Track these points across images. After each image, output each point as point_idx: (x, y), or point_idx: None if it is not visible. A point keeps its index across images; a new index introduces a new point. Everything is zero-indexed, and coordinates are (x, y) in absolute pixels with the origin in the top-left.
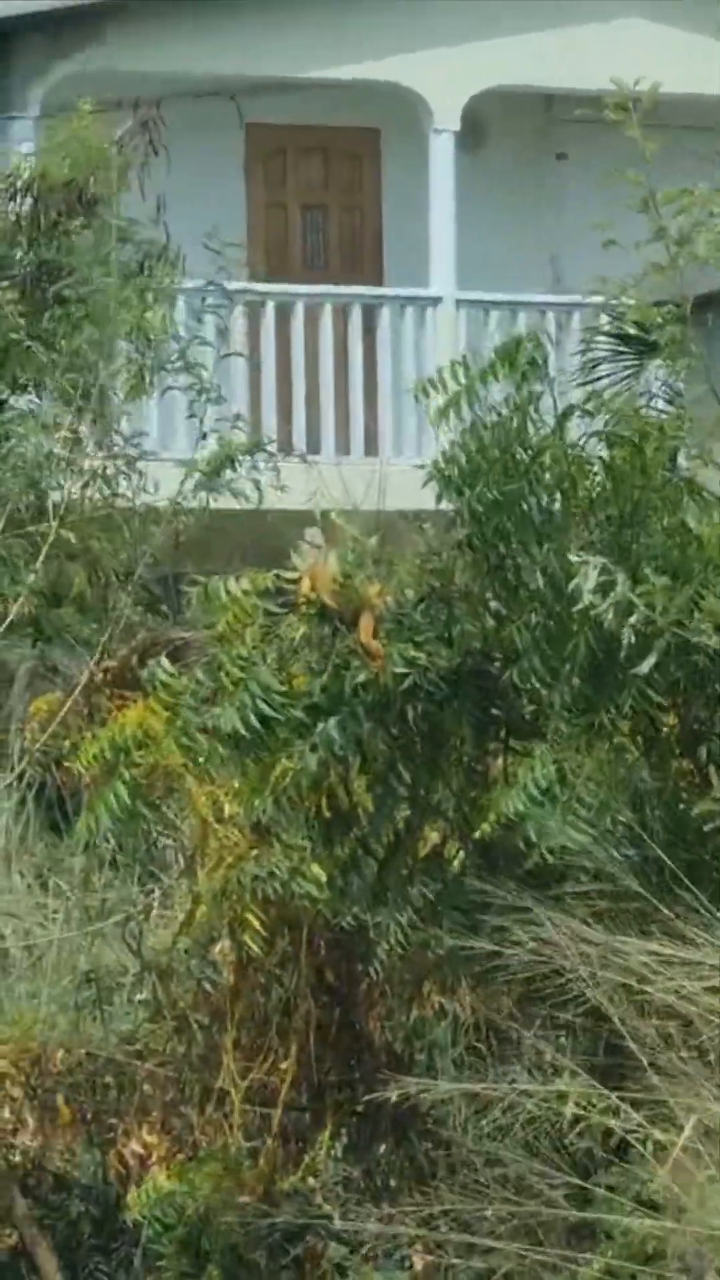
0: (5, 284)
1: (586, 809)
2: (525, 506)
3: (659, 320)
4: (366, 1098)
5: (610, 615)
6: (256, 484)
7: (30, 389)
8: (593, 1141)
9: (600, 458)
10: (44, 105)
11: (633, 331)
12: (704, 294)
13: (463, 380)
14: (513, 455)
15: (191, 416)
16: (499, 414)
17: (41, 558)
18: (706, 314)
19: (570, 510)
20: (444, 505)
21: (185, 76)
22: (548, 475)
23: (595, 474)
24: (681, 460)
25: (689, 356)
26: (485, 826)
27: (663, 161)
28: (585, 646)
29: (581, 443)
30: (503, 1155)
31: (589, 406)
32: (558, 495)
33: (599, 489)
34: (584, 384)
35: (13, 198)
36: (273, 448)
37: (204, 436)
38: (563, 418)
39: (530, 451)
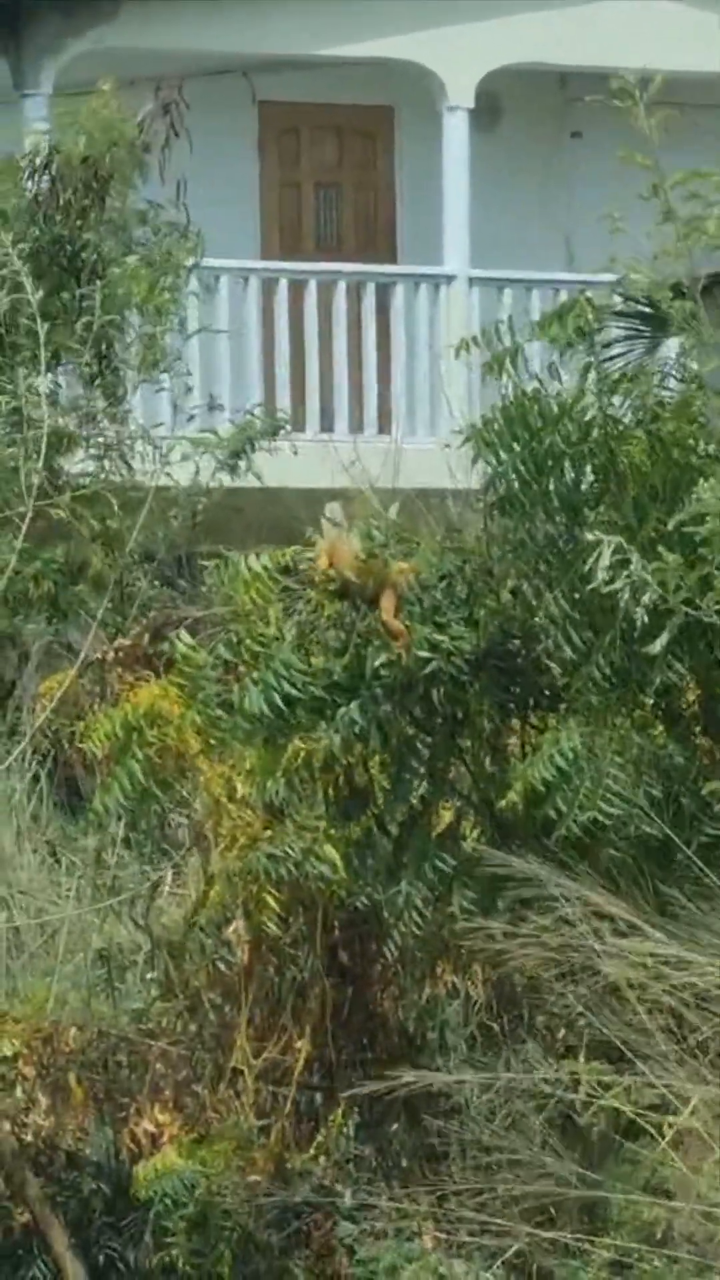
0: (23, 261)
1: (614, 781)
2: (563, 474)
3: (669, 298)
4: (377, 1078)
5: (626, 595)
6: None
7: (47, 367)
8: (605, 1123)
9: (647, 429)
10: (57, 83)
11: (646, 309)
12: (715, 272)
13: (507, 343)
14: (565, 423)
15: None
16: (540, 379)
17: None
18: (716, 292)
19: (606, 483)
20: (461, 482)
21: (198, 54)
22: (589, 444)
23: (633, 446)
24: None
25: (700, 334)
26: (511, 795)
27: (679, 141)
28: (620, 621)
29: (622, 414)
30: (514, 1136)
31: (613, 381)
32: (589, 467)
33: (638, 461)
34: (602, 362)
35: (31, 176)
36: (287, 426)
37: (191, 419)
38: (609, 389)
39: (572, 419)
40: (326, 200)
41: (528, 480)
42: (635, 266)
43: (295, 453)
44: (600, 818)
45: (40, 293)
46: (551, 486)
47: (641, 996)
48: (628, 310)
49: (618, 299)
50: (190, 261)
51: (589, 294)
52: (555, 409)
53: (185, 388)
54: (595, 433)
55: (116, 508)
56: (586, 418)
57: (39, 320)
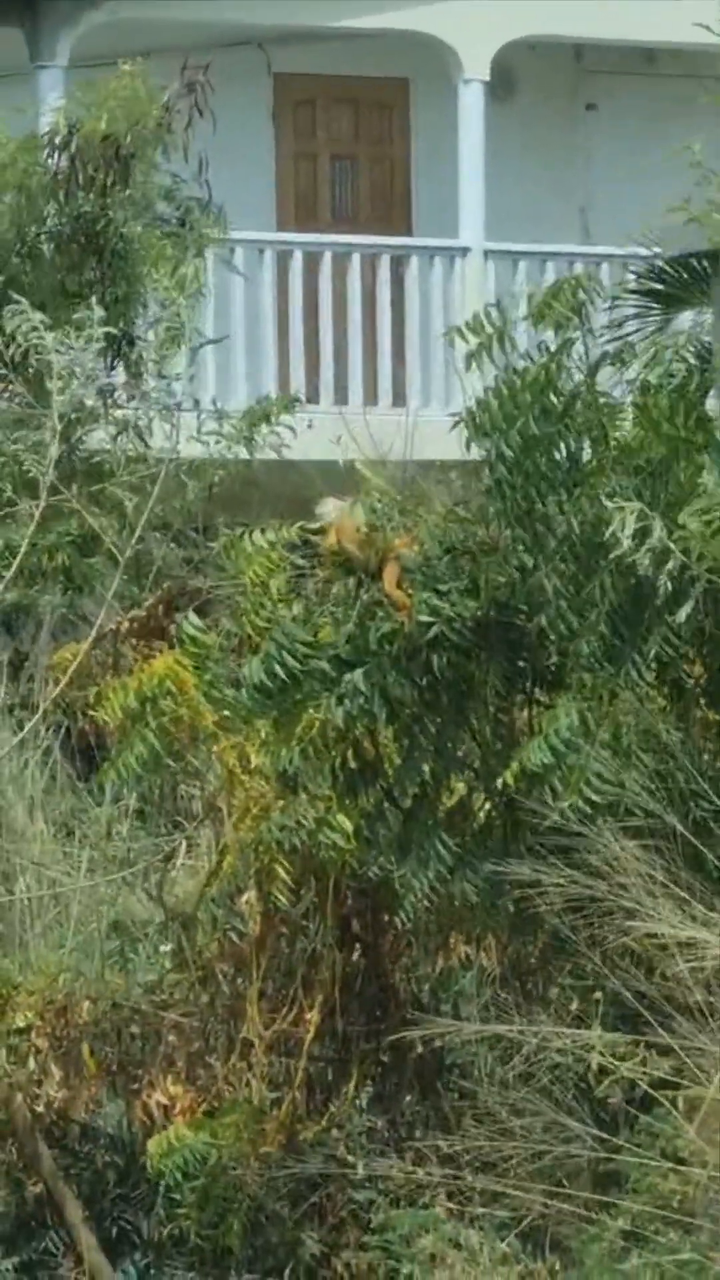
0: (45, 237)
1: (612, 758)
2: (556, 453)
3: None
4: (391, 1045)
5: (646, 561)
6: (286, 431)
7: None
8: (619, 1093)
9: (635, 404)
10: (73, 55)
11: (659, 286)
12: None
13: (496, 325)
14: (545, 401)
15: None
16: (531, 359)
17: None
18: None
19: (600, 458)
20: (472, 454)
21: (213, 25)
22: (579, 420)
23: (625, 422)
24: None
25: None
26: (508, 777)
27: (694, 113)
28: (614, 594)
29: (613, 391)
30: (528, 1105)
31: (622, 356)
32: (586, 442)
33: (631, 436)
34: (615, 339)
35: (53, 152)
36: (302, 399)
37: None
38: (595, 366)
39: (562, 398)
40: (342, 172)
41: (518, 459)
42: (711, 215)
43: (310, 425)
44: (594, 798)
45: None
46: (542, 465)
47: (671, 957)
48: (641, 289)
49: (630, 277)
50: (215, 240)
51: (579, 268)
52: (539, 385)
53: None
54: (580, 409)
55: (132, 481)
56: (570, 393)
57: (61, 296)
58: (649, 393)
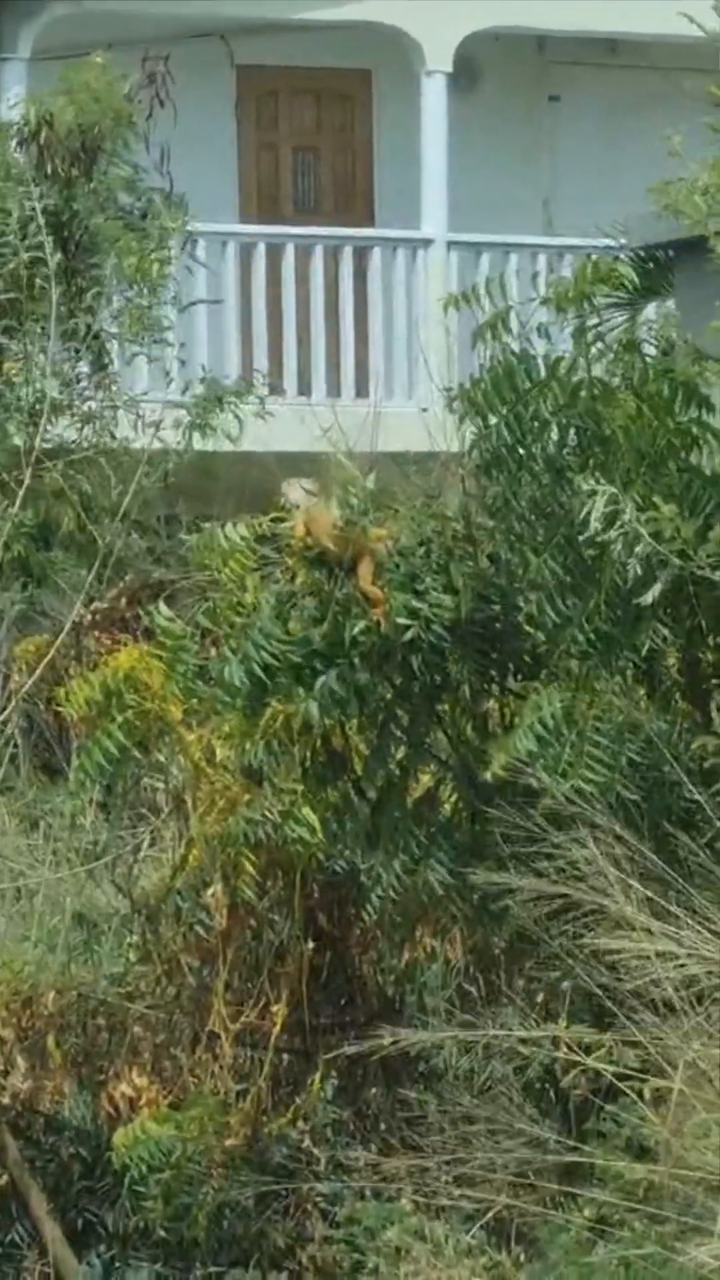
0: (11, 229)
1: (595, 747)
2: (549, 436)
3: (715, 234)
4: (357, 1038)
5: (619, 546)
6: (240, 421)
7: (32, 334)
8: (584, 1086)
9: (632, 390)
10: (35, 47)
11: (631, 276)
12: (690, 238)
13: (497, 304)
14: (550, 385)
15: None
16: (529, 341)
17: (23, 498)
18: (700, 257)
19: (592, 445)
20: (438, 447)
21: (176, 17)
22: (577, 407)
23: (619, 410)
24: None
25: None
26: (496, 767)
27: (657, 103)
28: (609, 583)
29: (607, 378)
30: (493, 1101)
31: (597, 347)
32: (575, 431)
33: (623, 424)
34: (592, 327)
35: (21, 144)
36: (263, 389)
37: (170, 382)
38: (597, 351)
39: (559, 382)
40: (304, 164)
41: (514, 443)
42: (693, 198)
43: (265, 419)
44: (583, 785)
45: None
46: (538, 449)
47: (641, 965)
48: (608, 276)
49: (614, 261)
50: (178, 230)
51: (542, 260)
52: (543, 371)
53: (175, 360)
54: (583, 395)
55: (93, 471)
56: (575, 380)
57: (31, 288)
58: (648, 380)
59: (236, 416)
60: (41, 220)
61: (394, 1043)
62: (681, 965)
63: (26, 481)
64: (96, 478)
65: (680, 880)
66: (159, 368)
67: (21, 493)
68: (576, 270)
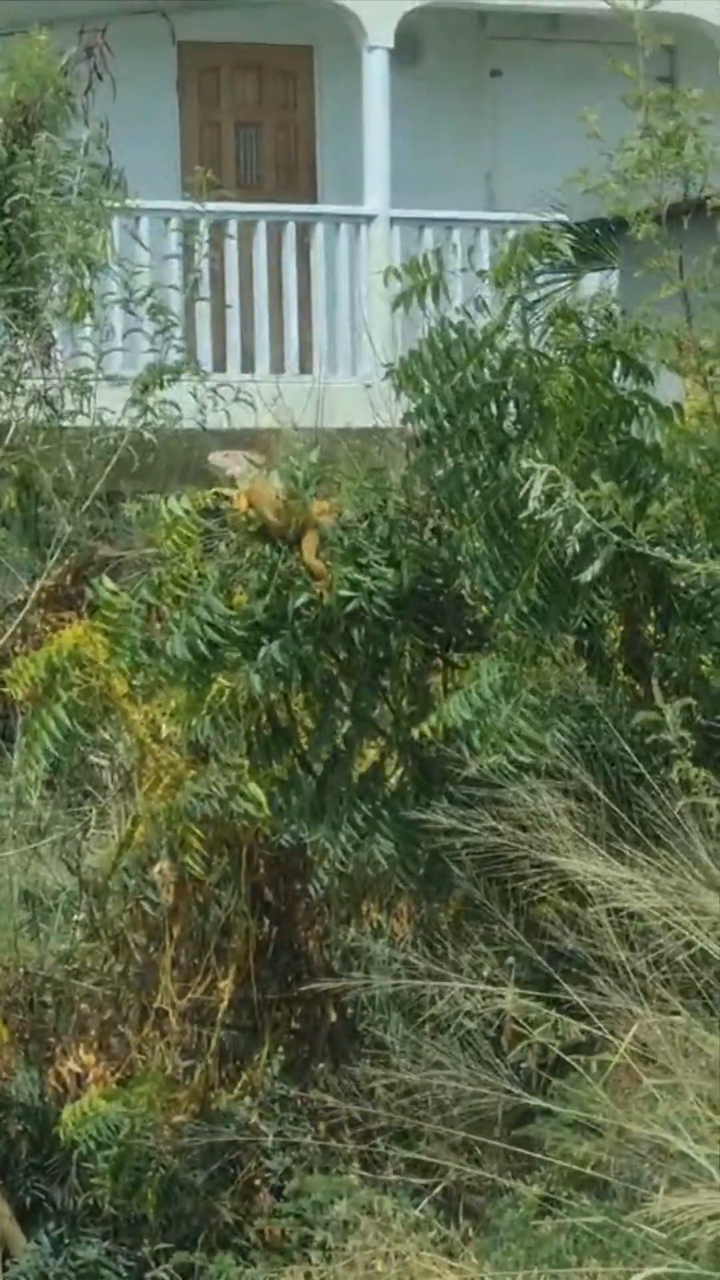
0: None
1: (529, 721)
2: (486, 408)
3: (635, 217)
4: (304, 1013)
5: (558, 524)
6: (177, 405)
7: None
8: (532, 1057)
9: (571, 363)
10: None
11: (572, 243)
12: (681, 200)
13: (432, 272)
14: (483, 356)
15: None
16: (468, 314)
17: None
18: (681, 219)
19: (530, 417)
20: (383, 420)
21: None
22: (512, 377)
23: (558, 381)
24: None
25: (664, 258)
26: (425, 729)
27: (599, 78)
28: (546, 558)
29: (547, 350)
30: (440, 1067)
31: (542, 316)
32: (513, 402)
33: (562, 395)
34: (531, 301)
35: None
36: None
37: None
38: (524, 319)
39: (495, 351)
40: (246, 140)
41: (449, 414)
42: (610, 185)
43: (212, 400)
44: (514, 755)
45: None
46: (475, 421)
47: (593, 906)
48: (547, 249)
49: (548, 232)
50: (120, 208)
51: (485, 235)
52: (478, 341)
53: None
54: (519, 365)
55: (37, 449)
56: (508, 350)
57: None
58: (585, 352)
59: (194, 396)
60: None
61: (339, 1005)
62: (646, 896)
63: None
64: (39, 456)
65: (628, 847)
66: (98, 344)
67: None
68: (509, 244)
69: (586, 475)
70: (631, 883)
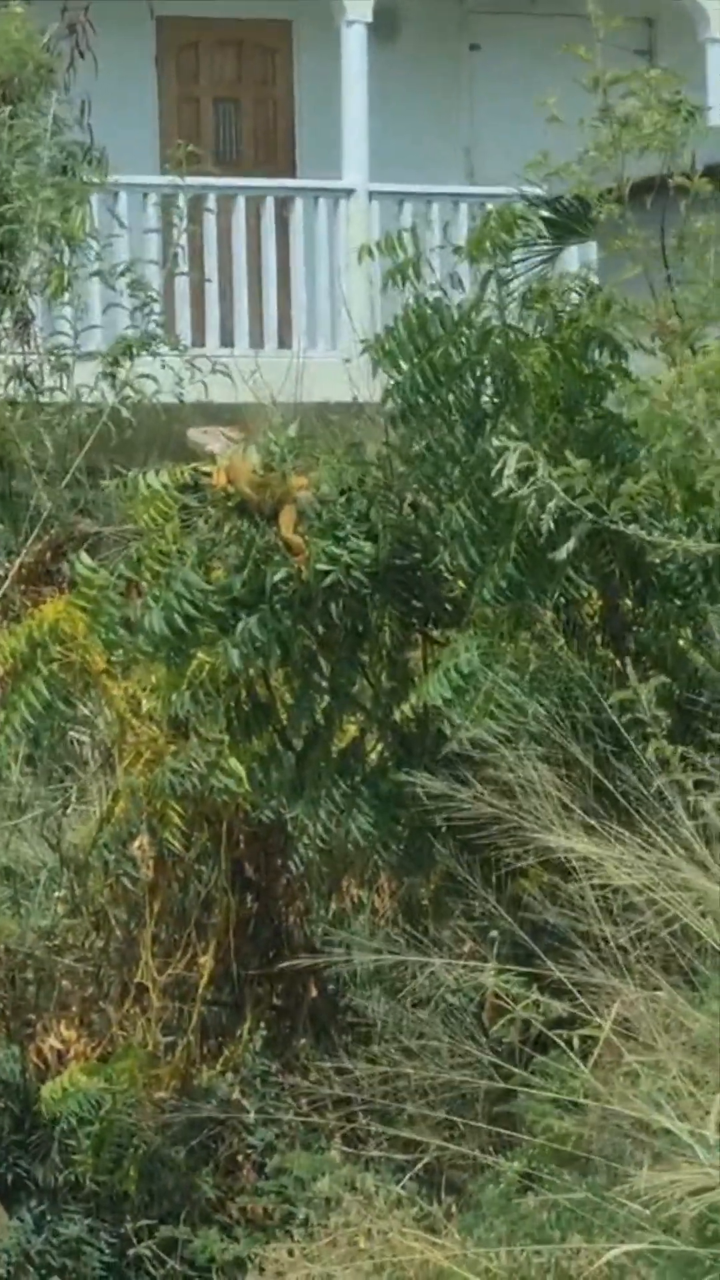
0: None
1: (506, 695)
2: (463, 384)
3: (598, 199)
4: (285, 989)
5: (532, 501)
6: (154, 378)
7: None
8: (515, 1033)
9: (544, 339)
10: None
11: (549, 215)
12: (644, 179)
13: (409, 250)
14: (460, 332)
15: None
16: (444, 290)
17: None
18: (644, 198)
19: (506, 393)
20: (362, 396)
21: None
22: (489, 353)
23: (534, 357)
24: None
25: (626, 238)
26: (406, 709)
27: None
28: (519, 531)
29: (522, 325)
30: (422, 1040)
31: (521, 292)
32: (490, 378)
33: (538, 370)
34: (507, 275)
35: None
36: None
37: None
38: (509, 297)
39: (471, 327)
40: (225, 115)
41: (426, 391)
42: (570, 167)
43: (194, 380)
44: (495, 729)
45: None
46: (451, 398)
47: (576, 879)
48: (529, 215)
49: (520, 207)
50: (101, 184)
51: (464, 209)
52: (455, 317)
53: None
54: (495, 341)
55: (14, 424)
56: (485, 326)
57: None
58: (562, 326)
59: (170, 368)
60: None
61: (320, 981)
62: (629, 871)
63: None
64: (17, 431)
65: (609, 822)
66: (74, 321)
67: None
68: (484, 217)
69: (561, 451)
70: (614, 858)
